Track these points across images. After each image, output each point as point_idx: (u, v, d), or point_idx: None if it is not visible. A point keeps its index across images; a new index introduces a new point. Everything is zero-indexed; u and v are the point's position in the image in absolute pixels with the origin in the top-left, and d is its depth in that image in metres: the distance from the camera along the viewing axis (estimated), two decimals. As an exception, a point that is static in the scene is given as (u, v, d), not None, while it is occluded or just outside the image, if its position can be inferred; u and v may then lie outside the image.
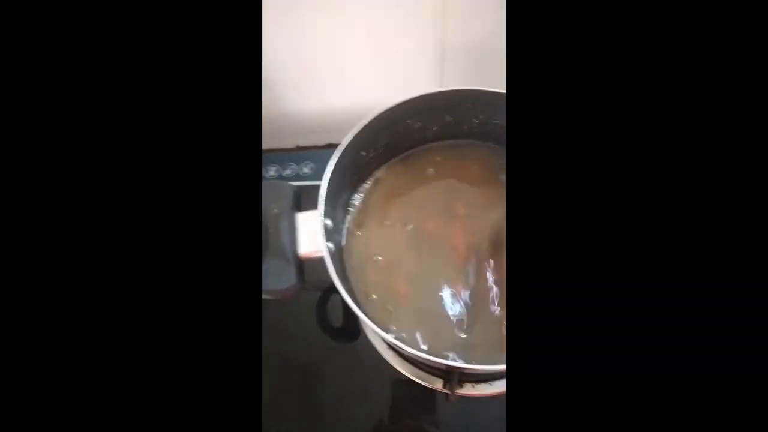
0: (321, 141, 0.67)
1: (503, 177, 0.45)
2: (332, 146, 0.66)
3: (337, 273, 0.37)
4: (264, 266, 0.36)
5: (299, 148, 0.66)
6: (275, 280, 0.36)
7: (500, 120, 0.44)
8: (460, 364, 0.34)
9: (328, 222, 0.40)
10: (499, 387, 0.43)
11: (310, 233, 0.38)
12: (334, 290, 0.51)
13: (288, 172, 0.58)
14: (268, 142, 0.64)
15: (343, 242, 0.44)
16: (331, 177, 0.40)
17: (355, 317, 0.50)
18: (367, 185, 0.47)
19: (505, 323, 0.39)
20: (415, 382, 0.44)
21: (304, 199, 0.41)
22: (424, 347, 0.38)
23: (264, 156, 0.61)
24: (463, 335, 0.39)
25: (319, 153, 0.62)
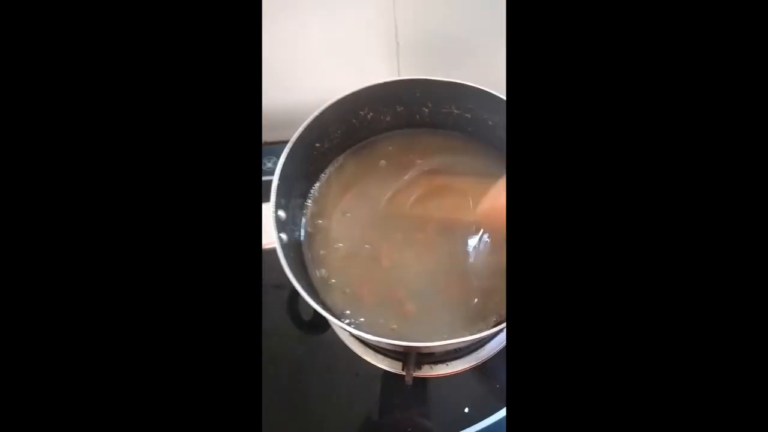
0: (286, 136, 0.67)
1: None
2: (297, 141, 0.67)
3: (292, 263, 0.38)
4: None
5: (266, 144, 0.67)
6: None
7: (449, 108, 0.45)
8: (409, 343, 0.35)
9: (281, 214, 0.41)
10: (456, 367, 0.45)
11: (263, 225, 0.39)
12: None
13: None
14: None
15: (303, 233, 0.45)
16: (283, 169, 0.41)
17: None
18: (324, 176, 0.48)
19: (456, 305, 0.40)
20: (385, 370, 0.46)
21: (263, 192, 0.42)
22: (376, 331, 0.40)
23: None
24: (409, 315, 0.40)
25: (282, 147, 0.63)
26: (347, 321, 0.40)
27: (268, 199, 0.40)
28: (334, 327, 0.49)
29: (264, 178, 0.57)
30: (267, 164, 0.59)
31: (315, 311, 0.51)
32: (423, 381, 0.45)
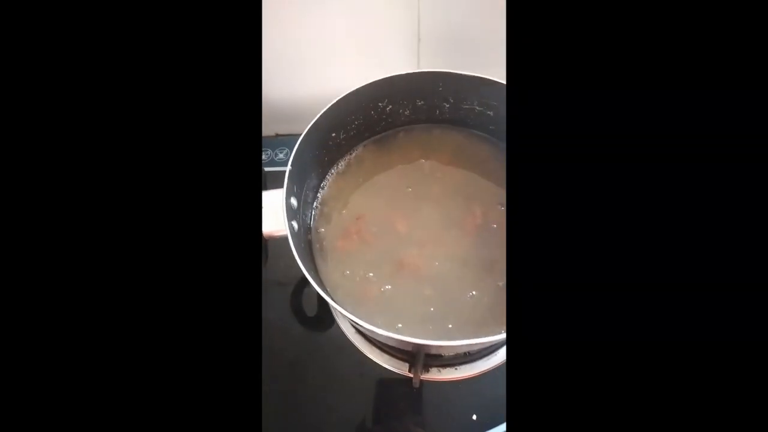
0: (301, 129, 0.66)
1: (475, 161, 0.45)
2: (311, 133, 0.66)
3: (302, 252, 0.36)
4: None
5: (278, 136, 0.66)
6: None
7: (471, 104, 0.44)
8: (420, 340, 0.33)
9: (293, 201, 0.39)
10: (465, 372, 0.43)
11: (274, 212, 0.37)
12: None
13: (263, 158, 0.58)
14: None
15: (314, 222, 0.44)
16: (297, 156, 0.39)
17: (328, 305, 0.50)
18: (339, 167, 0.47)
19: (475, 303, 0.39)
20: (391, 372, 0.44)
21: (274, 182, 0.41)
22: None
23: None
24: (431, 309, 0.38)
25: (295, 139, 0.62)
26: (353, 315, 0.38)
27: (278, 188, 0.39)
28: (339, 323, 0.48)
29: (276, 169, 0.57)
30: (279, 155, 0.58)
31: (319, 307, 0.51)
32: (430, 384, 0.43)
